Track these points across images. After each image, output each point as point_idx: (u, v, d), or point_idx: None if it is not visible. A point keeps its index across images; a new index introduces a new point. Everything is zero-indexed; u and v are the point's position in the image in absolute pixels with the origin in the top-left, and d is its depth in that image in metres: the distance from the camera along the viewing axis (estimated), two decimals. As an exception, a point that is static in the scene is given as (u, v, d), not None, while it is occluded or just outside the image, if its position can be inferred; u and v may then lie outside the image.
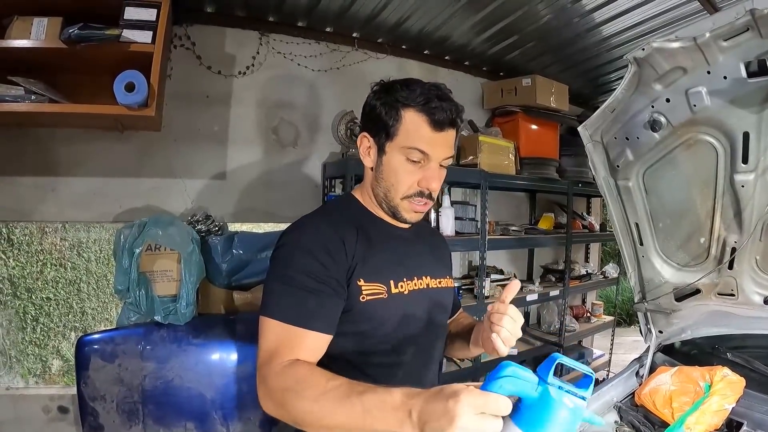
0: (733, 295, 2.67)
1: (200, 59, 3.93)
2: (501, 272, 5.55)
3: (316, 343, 1.57)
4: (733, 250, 2.53)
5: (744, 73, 2.00)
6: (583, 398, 1.10)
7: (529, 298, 5.23)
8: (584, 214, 6.76)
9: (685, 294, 2.83)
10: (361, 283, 1.68)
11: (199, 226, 3.43)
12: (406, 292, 1.79)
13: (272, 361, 1.48)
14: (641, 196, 2.64)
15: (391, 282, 1.75)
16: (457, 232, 4.54)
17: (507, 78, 5.45)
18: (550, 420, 1.08)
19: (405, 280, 1.80)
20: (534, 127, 5.39)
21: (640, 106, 2.36)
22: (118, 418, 2.92)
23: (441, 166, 1.77)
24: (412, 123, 1.69)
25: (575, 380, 1.15)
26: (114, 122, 3.37)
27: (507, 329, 1.52)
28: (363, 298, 1.68)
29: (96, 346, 2.92)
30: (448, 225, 4.39)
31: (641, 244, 2.80)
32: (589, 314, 6.74)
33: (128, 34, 2.95)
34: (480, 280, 4.61)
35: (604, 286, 7.35)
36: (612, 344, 6.93)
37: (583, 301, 7.17)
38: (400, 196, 1.77)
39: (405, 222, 1.85)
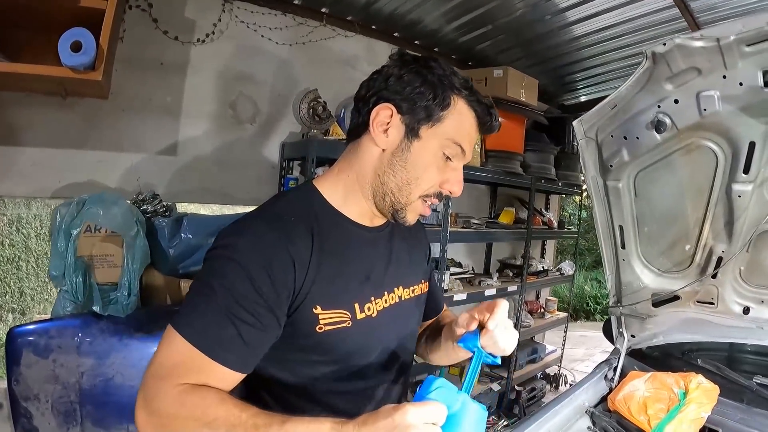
0: (712, 303, 2.64)
1: (156, 22, 3.65)
2: (459, 265, 5.52)
3: (224, 378, 1.28)
4: (720, 259, 2.49)
5: (761, 82, 1.92)
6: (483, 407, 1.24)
7: (488, 293, 5.20)
8: (543, 210, 6.79)
9: (662, 300, 2.78)
10: (318, 311, 1.39)
11: (145, 206, 3.20)
12: (374, 315, 1.52)
13: (166, 379, 1.22)
14: (630, 198, 2.57)
15: (356, 306, 1.48)
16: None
17: (475, 68, 5.39)
18: (471, 427, 1.19)
19: (373, 299, 1.53)
20: (502, 120, 5.25)
21: (646, 105, 2.26)
22: (54, 420, 2.67)
23: None
24: (462, 113, 1.46)
25: None
26: (57, 86, 3.04)
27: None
28: (320, 328, 1.40)
29: (29, 339, 2.65)
30: (411, 217, 4.27)
31: (623, 247, 2.73)
32: (543, 310, 6.82)
33: (79, -13, 2.64)
34: (440, 274, 4.56)
35: (560, 283, 7.42)
36: (564, 340, 7.00)
37: (537, 297, 7.25)
38: (419, 194, 1.48)
39: (403, 223, 1.55)
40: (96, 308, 2.74)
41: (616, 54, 5.04)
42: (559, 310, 7.16)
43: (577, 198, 9.26)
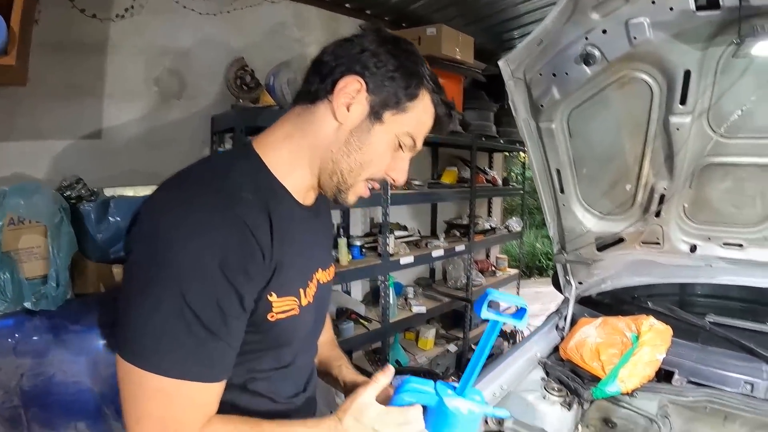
0: (658, 243, 2.60)
1: (73, 1, 3.43)
2: (405, 228, 5.48)
3: (218, 394, 1.19)
4: (662, 197, 2.43)
5: (692, 5, 1.81)
6: (481, 397, 1.35)
7: (435, 254, 5.17)
8: (486, 168, 6.79)
9: (607, 243, 2.74)
10: (273, 298, 1.26)
11: (68, 192, 3.00)
12: (311, 301, 1.42)
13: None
14: (564, 139, 2.47)
15: (300, 291, 1.37)
16: (360, 190, 4.32)
17: (409, 28, 5.28)
18: (449, 425, 1.30)
19: (309, 283, 1.42)
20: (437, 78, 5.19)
21: (573, 37, 2.15)
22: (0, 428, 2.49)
23: None
24: (425, 109, 1.37)
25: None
26: (-31, 75, 2.77)
27: None
28: (272, 316, 1.27)
29: (-39, 344, 2.48)
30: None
31: (562, 191, 2.65)
32: (494, 268, 6.86)
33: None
34: (384, 238, 4.50)
35: (509, 240, 7.42)
36: (518, 292, 7.02)
37: (487, 256, 7.29)
38: (365, 176, 1.38)
39: (343, 203, 1.44)
40: (27, 304, 2.57)
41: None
42: (510, 267, 7.19)
43: (522, 155, 9.25)
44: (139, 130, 3.83)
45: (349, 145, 1.33)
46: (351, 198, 1.41)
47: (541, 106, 2.37)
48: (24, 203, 2.65)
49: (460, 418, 1.28)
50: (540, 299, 8.27)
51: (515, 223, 6.84)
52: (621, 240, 2.70)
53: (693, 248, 2.55)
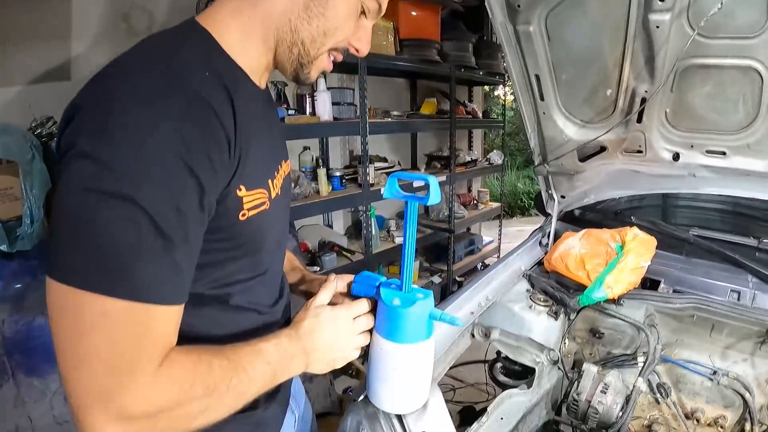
0: (641, 151, 2.53)
1: None
2: (385, 160, 5.40)
3: (177, 322, 1.01)
4: (643, 100, 2.35)
5: None
6: (425, 295, 1.30)
7: (416, 184, 5.06)
8: (466, 102, 6.68)
9: (589, 153, 2.68)
10: (242, 192, 1.11)
11: (40, 131, 2.93)
12: (280, 192, 1.30)
13: (135, 375, 0.90)
14: (543, 43, 2.39)
15: (269, 183, 1.23)
16: (335, 118, 4.31)
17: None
18: (388, 320, 1.28)
19: (276, 174, 1.29)
20: (414, 10, 5.09)
21: None
22: (-18, 379, 2.45)
23: None
24: None
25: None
26: None
27: None
28: (243, 215, 1.12)
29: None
30: (324, 110, 4.16)
31: (542, 99, 2.58)
32: (476, 201, 6.84)
33: None
34: (364, 168, 4.44)
35: (490, 173, 7.41)
36: (500, 230, 7.06)
37: (469, 190, 7.25)
38: (329, 46, 1.24)
39: (305, 81, 1.29)
40: (2, 247, 2.53)
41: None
42: (493, 201, 7.16)
43: (502, 96, 9.17)
44: (107, 68, 3.67)
45: (310, 11, 1.16)
46: (314, 73, 1.28)
47: (518, 6, 2.26)
48: (-7, 143, 2.56)
49: (401, 315, 1.26)
50: (523, 237, 8.36)
51: (496, 156, 6.79)
52: (603, 149, 2.64)
53: (676, 156, 2.49)
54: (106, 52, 3.42)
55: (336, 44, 1.24)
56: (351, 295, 1.43)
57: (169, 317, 0.97)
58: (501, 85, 7.74)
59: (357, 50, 1.30)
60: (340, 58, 1.32)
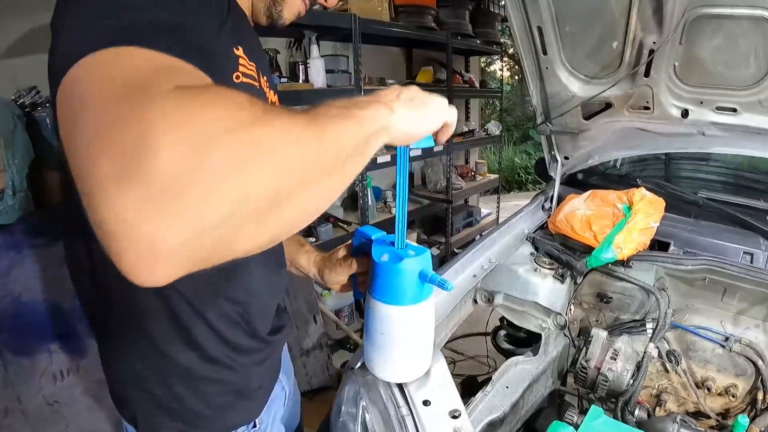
0: (648, 108, 2.43)
1: None
2: (381, 129, 5.25)
3: None
4: (651, 52, 2.24)
5: None
6: (417, 252, 1.17)
7: (413, 154, 4.97)
8: (463, 72, 6.58)
9: (594, 111, 2.58)
10: (240, 53, 1.04)
11: (23, 100, 2.82)
12: (266, 93, 1.23)
13: (151, 84, 0.61)
14: (546, -8, 2.28)
15: (260, 72, 1.15)
16: (329, 86, 4.19)
17: None
18: (380, 279, 1.18)
19: (261, 80, 1.18)
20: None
21: None
22: (-31, 359, 2.37)
23: None
24: None
25: None
26: None
27: None
28: (237, 77, 1.03)
29: None
30: (318, 78, 4.03)
31: (545, 53, 2.47)
32: (473, 173, 6.75)
33: None
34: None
35: (488, 143, 7.34)
36: (498, 202, 6.99)
37: (467, 162, 7.17)
38: None
39: (278, 21, 1.25)
40: (-15, 222, 2.42)
41: None
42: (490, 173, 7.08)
43: (499, 71, 9.07)
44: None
45: None
46: (286, 12, 1.24)
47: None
48: (-26, 114, 2.45)
49: (387, 271, 1.16)
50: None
51: (494, 127, 6.70)
52: (608, 106, 2.54)
53: (685, 113, 2.38)
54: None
55: None
56: (352, 248, 1.41)
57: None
58: (498, 59, 7.66)
59: (326, 3, 1.32)
60: (311, 6, 1.30)
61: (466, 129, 6.24)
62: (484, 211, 7.03)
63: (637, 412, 1.91)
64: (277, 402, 1.46)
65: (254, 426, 1.34)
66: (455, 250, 5.90)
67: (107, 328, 1.18)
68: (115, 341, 1.18)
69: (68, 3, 0.82)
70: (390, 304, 1.17)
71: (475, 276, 2.04)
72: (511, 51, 11.71)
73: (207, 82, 0.68)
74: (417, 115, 0.95)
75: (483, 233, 6.58)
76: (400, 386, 1.38)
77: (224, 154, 0.54)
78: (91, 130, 0.57)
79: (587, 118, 2.61)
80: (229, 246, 0.59)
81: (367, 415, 1.38)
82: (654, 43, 2.20)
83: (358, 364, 1.45)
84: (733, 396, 2.05)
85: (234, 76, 1.02)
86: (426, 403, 1.33)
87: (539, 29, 2.40)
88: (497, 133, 6.74)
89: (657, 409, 2.10)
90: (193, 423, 1.22)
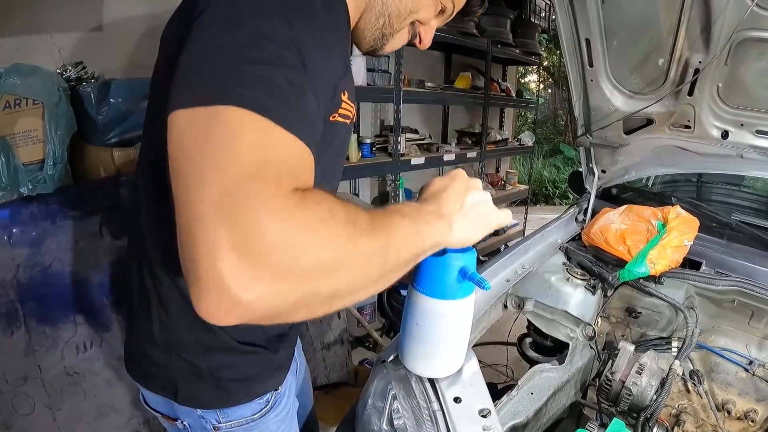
0: (689, 127, 2.43)
1: None
2: (416, 132, 5.33)
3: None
4: (696, 71, 2.24)
5: None
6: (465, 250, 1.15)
7: (446, 158, 5.05)
8: (500, 80, 6.60)
9: (635, 126, 2.59)
10: (345, 97, 1.12)
11: (68, 74, 2.85)
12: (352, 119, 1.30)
13: (279, 179, 0.74)
14: (596, 5, 2.29)
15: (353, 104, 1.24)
16: (368, 84, 4.23)
17: None
18: (425, 271, 1.18)
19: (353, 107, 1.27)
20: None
21: None
22: (-5, 325, 2.41)
23: None
24: None
25: None
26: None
27: None
28: (334, 116, 1.10)
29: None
30: (359, 75, 4.06)
31: (590, 65, 2.49)
32: (503, 182, 6.73)
33: None
34: (395, 136, 4.37)
35: (520, 153, 7.40)
36: (526, 213, 6.97)
37: (497, 170, 7.17)
38: (410, 20, 1.27)
39: (379, 51, 1.36)
40: (23, 190, 2.45)
41: None
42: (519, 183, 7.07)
43: (534, 85, 9.06)
44: (141, 21, 3.58)
45: None
46: (389, 46, 1.34)
47: (572, -36, 2.18)
48: (20, 83, 2.50)
49: (432, 264, 1.16)
50: (548, 224, 8.37)
51: (527, 137, 6.71)
52: (650, 122, 2.54)
53: (725, 134, 2.38)
54: (139, 4, 3.43)
55: (414, 18, 1.28)
56: None
57: (310, 158, 0.85)
58: (534, 71, 7.66)
59: (421, 41, 1.35)
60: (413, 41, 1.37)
61: (499, 138, 6.25)
62: (512, 221, 6.93)
63: (656, 429, 1.91)
64: (290, 371, 1.54)
65: (276, 390, 1.43)
66: (480, 257, 5.89)
67: (160, 298, 1.23)
68: (166, 311, 1.23)
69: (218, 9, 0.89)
70: (432, 297, 1.18)
71: (508, 281, 2.06)
72: (546, 63, 11.69)
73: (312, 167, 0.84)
74: (473, 228, 1.08)
75: (509, 243, 6.64)
76: (432, 382, 1.40)
77: (314, 263, 0.72)
78: (216, 189, 0.70)
79: (628, 133, 2.61)
80: (284, 319, 0.76)
81: (394, 410, 1.41)
82: (700, 62, 2.21)
83: (391, 358, 1.47)
84: (752, 421, 2.04)
85: (331, 117, 1.10)
86: (457, 400, 1.35)
87: (587, 41, 2.41)
88: (530, 143, 6.73)
89: (675, 429, 2.09)
90: (229, 390, 1.32)
